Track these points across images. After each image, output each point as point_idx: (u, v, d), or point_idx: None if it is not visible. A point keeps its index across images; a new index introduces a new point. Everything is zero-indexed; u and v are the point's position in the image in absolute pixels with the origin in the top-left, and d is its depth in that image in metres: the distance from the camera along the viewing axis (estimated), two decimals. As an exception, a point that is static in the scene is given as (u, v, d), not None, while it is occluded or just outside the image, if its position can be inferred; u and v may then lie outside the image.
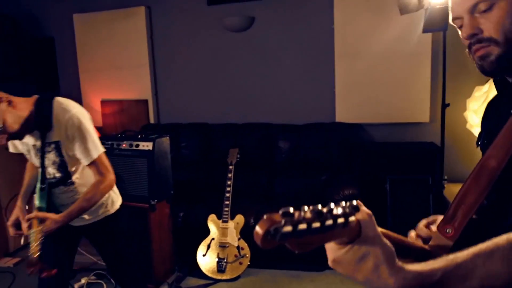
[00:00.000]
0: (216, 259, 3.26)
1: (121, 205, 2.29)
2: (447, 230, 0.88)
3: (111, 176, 2.07)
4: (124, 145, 3.09)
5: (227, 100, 4.41)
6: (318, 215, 0.59)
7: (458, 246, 0.83)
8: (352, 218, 0.63)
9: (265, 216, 0.58)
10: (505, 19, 0.87)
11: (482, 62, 0.93)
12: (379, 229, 0.70)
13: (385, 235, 0.72)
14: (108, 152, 3.05)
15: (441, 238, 0.89)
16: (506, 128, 0.88)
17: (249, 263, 3.23)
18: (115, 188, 2.24)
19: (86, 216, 2.14)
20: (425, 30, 2.79)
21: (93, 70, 4.69)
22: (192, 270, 3.39)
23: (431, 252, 0.88)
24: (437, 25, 2.73)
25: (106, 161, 2.08)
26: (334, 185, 3.49)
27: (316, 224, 0.59)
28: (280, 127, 4.06)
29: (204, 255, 3.29)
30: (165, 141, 3.16)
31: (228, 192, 3.38)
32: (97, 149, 2.03)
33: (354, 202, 0.64)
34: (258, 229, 0.57)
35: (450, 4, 0.98)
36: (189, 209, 3.58)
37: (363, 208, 0.68)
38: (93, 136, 2.03)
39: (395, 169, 3.52)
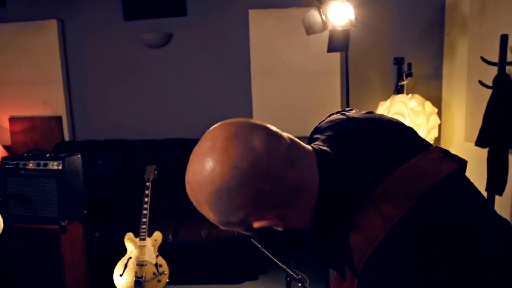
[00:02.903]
0: (134, 278, 3.18)
1: (4, 230, 2.18)
2: None
3: None
4: (31, 165, 2.94)
5: (145, 116, 4.36)
6: None
7: None
8: None
9: None
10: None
11: None
12: None
13: None
14: (13, 173, 2.95)
15: None
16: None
17: (168, 280, 3.19)
18: None
19: None
20: (329, 50, 2.99)
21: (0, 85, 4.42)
22: (108, 291, 3.28)
23: None
24: (339, 46, 2.93)
25: None
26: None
27: None
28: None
29: (121, 275, 3.20)
30: (76, 159, 3.06)
31: (146, 209, 3.33)
32: None
33: None
34: None
35: None
36: (105, 229, 3.47)
37: None
38: None
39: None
